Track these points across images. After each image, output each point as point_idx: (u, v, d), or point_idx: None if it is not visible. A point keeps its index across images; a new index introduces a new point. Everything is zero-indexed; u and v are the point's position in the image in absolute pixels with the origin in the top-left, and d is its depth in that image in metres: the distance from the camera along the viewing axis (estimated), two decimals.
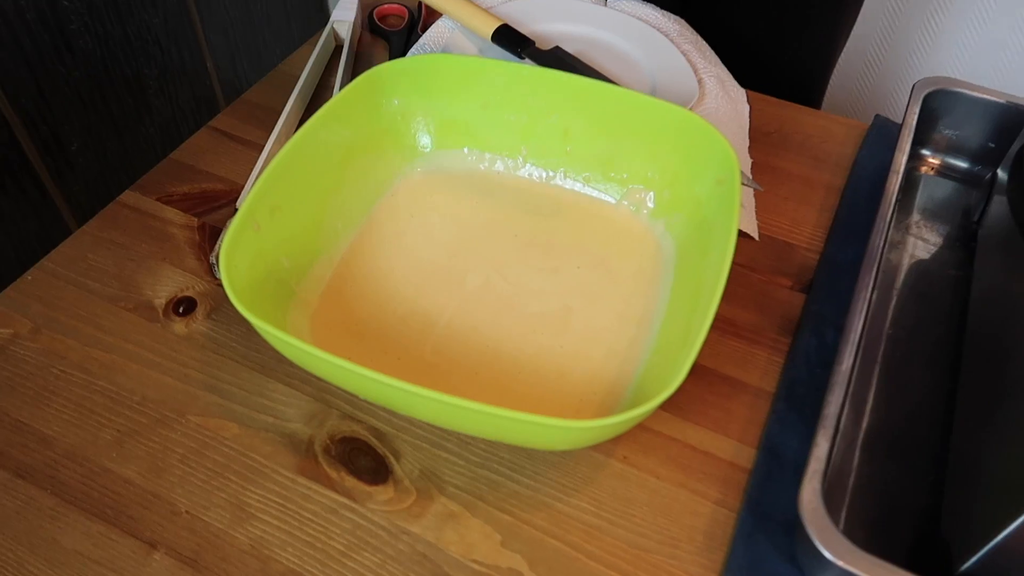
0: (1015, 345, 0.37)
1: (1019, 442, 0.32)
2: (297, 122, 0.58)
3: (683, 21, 0.64)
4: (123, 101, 1.09)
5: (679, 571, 0.37)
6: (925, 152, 0.56)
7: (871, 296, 0.42)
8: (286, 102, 0.59)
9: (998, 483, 0.32)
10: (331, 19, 0.66)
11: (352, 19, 0.65)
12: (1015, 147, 0.49)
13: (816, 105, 0.81)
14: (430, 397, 0.32)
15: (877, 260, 0.43)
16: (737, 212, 0.40)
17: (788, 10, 0.71)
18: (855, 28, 0.78)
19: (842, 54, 0.81)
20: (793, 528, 0.37)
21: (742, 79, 0.62)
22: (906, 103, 0.52)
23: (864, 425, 0.42)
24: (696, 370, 0.44)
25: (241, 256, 0.38)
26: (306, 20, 1.45)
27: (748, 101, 0.60)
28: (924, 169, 0.56)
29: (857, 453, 0.41)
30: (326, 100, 0.61)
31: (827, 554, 0.33)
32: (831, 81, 0.82)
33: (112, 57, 1.04)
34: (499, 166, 0.51)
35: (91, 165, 1.07)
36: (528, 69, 0.49)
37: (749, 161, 0.56)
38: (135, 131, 1.12)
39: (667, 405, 0.43)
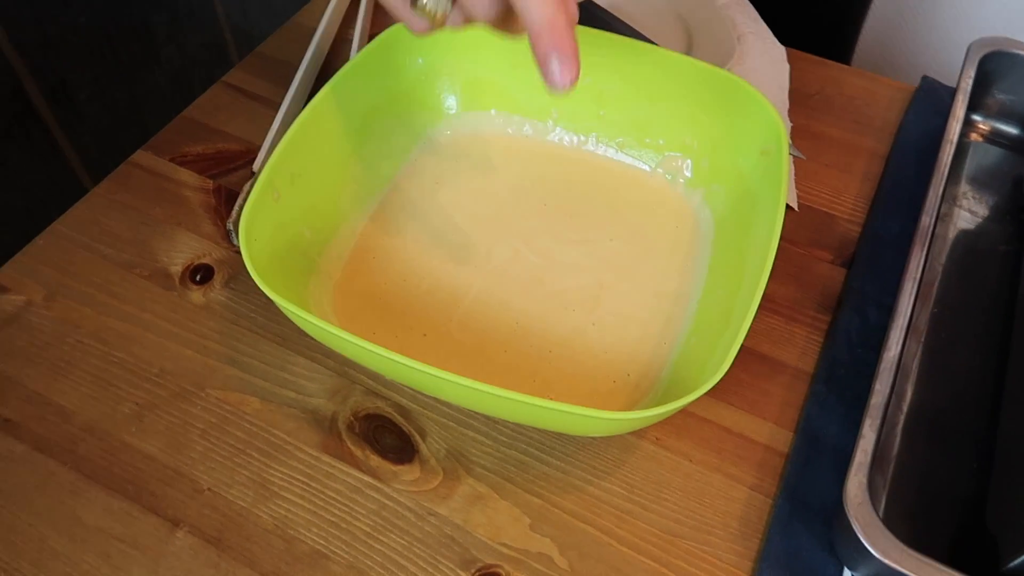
0: None
1: None
2: (314, 78, 0.56)
3: None
4: (132, 49, 1.05)
5: (712, 558, 0.36)
6: (976, 117, 0.53)
7: (920, 276, 0.40)
8: (302, 56, 0.56)
9: None
10: None
11: None
12: None
13: (847, 60, 0.78)
14: (456, 382, 0.31)
15: (928, 237, 0.41)
16: (785, 186, 0.37)
17: None
18: None
19: (878, 7, 0.77)
20: (832, 517, 0.36)
21: (783, 37, 0.58)
22: (961, 65, 0.49)
23: (906, 408, 0.40)
24: (735, 382, 0.43)
25: (261, 227, 0.37)
26: None
27: (787, 60, 0.57)
28: (974, 136, 0.53)
29: (898, 438, 0.40)
30: (345, 54, 0.58)
31: (872, 550, 0.31)
32: (868, 37, 0.78)
33: (120, 8, 1.01)
34: (528, 129, 0.49)
35: (101, 116, 1.04)
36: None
37: (789, 125, 0.53)
38: (145, 81, 1.09)
39: None
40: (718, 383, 0.32)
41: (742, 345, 0.33)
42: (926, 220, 0.41)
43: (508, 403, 0.31)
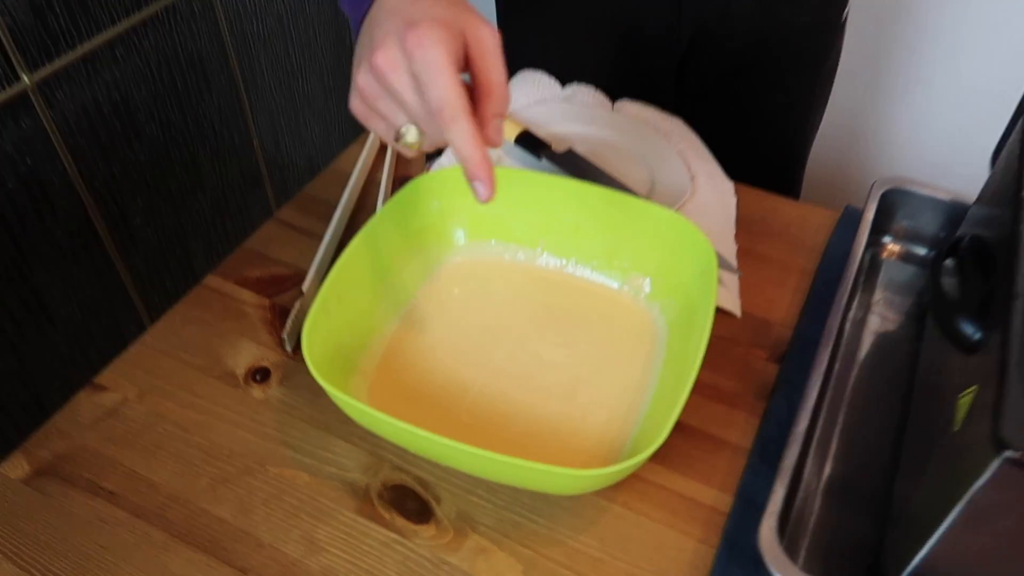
0: (943, 409, 0.46)
1: (932, 487, 0.40)
2: (350, 214, 0.69)
3: (679, 121, 0.75)
4: (180, 179, 1.21)
5: None
6: (886, 240, 0.65)
7: (830, 367, 0.51)
8: (340, 196, 0.69)
9: (914, 520, 0.41)
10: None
11: None
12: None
13: (796, 193, 0.92)
14: (468, 451, 0.42)
15: (834, 337, 0.52)
16: (715, 298, 0.49)
17: (763, 106, 0.82)
18: (829, 125, 0.88)
19: (818, 148, 0.91)
20: (760, 562, 0.46)
21: (729, 167, 0.71)
22: (872, 198, 0.62)
23: (825, 475, 0.51)
24: (685, 429, 0.53)
25: (316, 338, 0.48)
26: (344, 98, 1.57)
27: (736, 194, 0.70)
28: (886, 254, 0.65)
29: (818, 499, 0.49)
30: (374, 194, 0.71)
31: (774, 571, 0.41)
32: (812, 174, 0.92)
33: (173, 141, 1.17)
34: (520, 256, 0.61)
35: (151, 238, 1.19)
36: (545, 177, 0.59)
37: (734, 247, 0.65)
38: (190, 206, 1.24)
39: (660, 459, 0.52)
40: (675, 458, 0.43)
41: (695, 427, 0.43)
42: (833, 321, 0.53)
43: (502, 465, 0.42)
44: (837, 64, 0.86)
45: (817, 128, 0.91)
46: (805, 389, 0.49)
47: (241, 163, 1.33)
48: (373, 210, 0.68)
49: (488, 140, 0.44)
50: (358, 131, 0.80)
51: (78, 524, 0.49)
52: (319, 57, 1.42)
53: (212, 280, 0.64)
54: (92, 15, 0.98)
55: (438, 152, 0.70)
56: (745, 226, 0.68)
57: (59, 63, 0.96)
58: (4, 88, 0.91)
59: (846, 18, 0.81)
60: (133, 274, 1.17)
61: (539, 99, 0.75)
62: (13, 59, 0.91)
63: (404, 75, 0.42)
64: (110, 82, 1.04)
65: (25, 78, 0.92)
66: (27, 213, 0.99)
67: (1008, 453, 0.32)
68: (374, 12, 0.46)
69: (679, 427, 0.52)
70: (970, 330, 0.40)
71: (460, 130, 0.41)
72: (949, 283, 0.45)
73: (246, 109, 1.30)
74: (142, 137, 1.12)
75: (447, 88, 0.41)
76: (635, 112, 0.74)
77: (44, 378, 1.07)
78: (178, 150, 1.19)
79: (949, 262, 0.46)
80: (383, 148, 0.76)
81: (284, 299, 0.62)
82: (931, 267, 0.47)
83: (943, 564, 0.39)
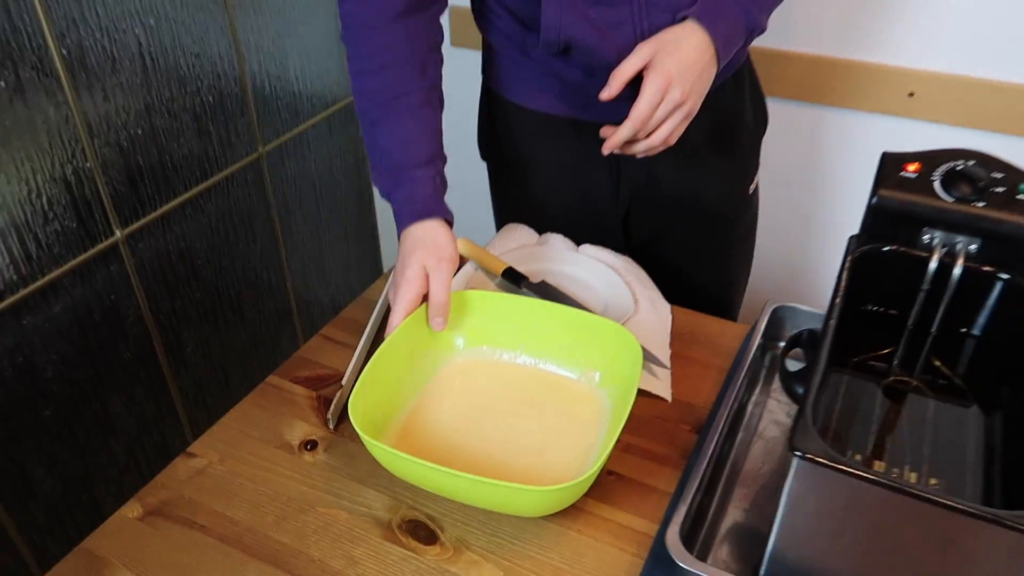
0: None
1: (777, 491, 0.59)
2: (376, 329, 0.90)
3: (628, 259, 0.98)
4: (226, 314, 1.44)
5: None
6: (781, 344, 0.86)
7: (732, 431, 0.70)
8: (369, 317, 0.91)
9: (769, 519, 0.59)
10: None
11: None
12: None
13: (733, 316, 1.14)
14: (466, 478, 0.61)
15: (724, 419, 0.72)
16: (637, 385, 0.69)
17: (694, 254, 1.06)
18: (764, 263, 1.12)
19: (758, 280, 1.15)
20: (673, 562, 0.63)
21: (676, 297, 0.93)
22: (758, 316, 0.83)
23: (725, 499, 0.69)
24: (625, 479, 0.72)
25: (357, 411, 0.68)
26: (363, 247, 1.83)
27: (672, 313, 0.92)
28: (777, 351, 0.85)
29: (723, 516, 0.68)
30: None
31: (678, 561, 0.59)
32: (755, 299, 1.15)
33: (223, 282, 1.41)
34: (505, 356, 0.82)
35: (199, 363, 1.40)
36: (524, 300, 0.81)
37: (668, 352, 0.86)
38: (232, 336, 1.46)
39: (607, 499, 0.70)
40: (618, 498, 0.62)
41: (633, 478, 0.61)
42: (723, 410, 0.72)
43: (488, 487, 0.61)
44: (755, 224, 1.10)
45: (747, 270, 1.14)
46: (704, 445, 0.68)
47: (276, 301, 1.56)
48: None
49: (432, 324, 0.75)
50: (374, 275, 1.03)
51: (179, 548, 0.67)
52: (344, 213, 1.69)
53: (273, 379, 0.85)
54: (171, 184, 1.25)
55: None
56: (679, 336, 0.89)
57: (144, 221, 1.21)
58: (102, 241, 1.15)
59: (755, 190, 1.06)
60: (182, 394, 1.37)
61: (520, 244, 0.99)
62: (111, 218, 1.16)
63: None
64: (179, 235, 1.29)
65: (118, 233, 1.17)
66: (106, 341, 1.20)
67: (796, 453, 0.52)
68: (399, 251, 0.80)
69: (622, 477, 0.71)
70: (799, 389, 0.61)
71: (399, 314, 0.75)
72: (791, 363, 0.65)
73: (282, 256, 1.55)
74: (199, 279, 1.35)
75: (401, 305, 0.76)
76: (593, 253, 0.98)
77: (103, 482, 1.25)
78: (226, 290, 1.42)
79: (796, 349, 0.67)
80: None
81: (327, 392, 0.83)
82: (781, 353, 0.68)
83: (788, 549, 0.57)
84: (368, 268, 1.88)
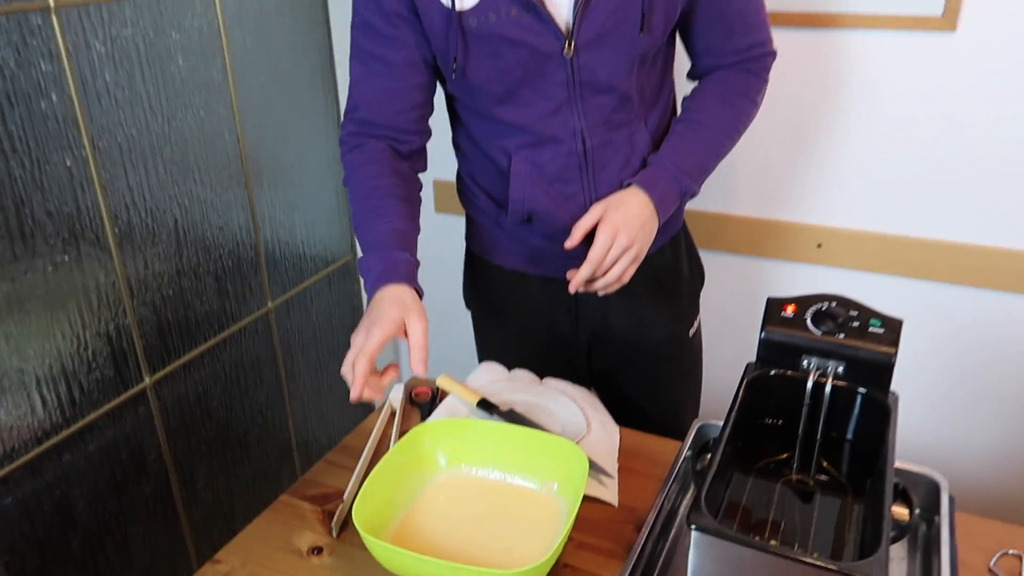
0: None
1: None
2: (372, 452, 1.07)
3: (584, 389, 1.16)
4: (235, 452, 1.59)
5: None
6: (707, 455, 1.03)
7: (666, 529, 0.86)
8: (365, 443, 1.08)
9: None
10: (387, 397, 1.18)
11: (400, 397, 1.17)
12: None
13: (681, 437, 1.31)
14: (451, 566, 0.76)
15: (654, 518, 0.88)
16: (582, 493, 0.86)
17: (648, 386, 1.25)
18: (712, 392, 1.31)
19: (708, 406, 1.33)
20: None
21: (629, 420, 1.11)
22: (694, 428, 1.01)
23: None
24: (580, 571, 0.87)
25: (359, 517, 0.84)
26: None
27: (620, 433, 1.09)
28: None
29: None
30: (388, 436, 1.10)
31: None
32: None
33: (231, 424, 1.57)
34: (479, 472, 0.99)
35: (208, 497, 1.54)
36: (496, 425, 0.99)
37: (616, 465, 1.03)
38: (240, 473, 1.61)
39: None
40: None
41: (583, 568, 0.77)
42: (652, 513, 0.89)
43: (470, 572, 0.76)
44: (698, 361, 1.30)
45: (695, 398, 1.33)
46: (637, 540, 0.84)
47: (278, 440, 1.72)
48: (387, 451, 1.07)
49: (414, 367, 0.89)
50: (366, 414, 1.21)
51: None
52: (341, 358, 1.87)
53: (284, 497, 1.01)
54: (193, 336, 1.44)
55: (429, 411, 1.11)
56: (625, 452, 1.06)
57: (169, 368, 1.39)
58: (133, 387, 1.33)
59: (695, 333, 1.27)
60: (191, 527, 1.50)
61: (493, 379, 1.18)
62: (142, 367, 1.34)
63: (360, 334, 0.88)
64: (198, 380, 1.47)
65: (147, 379, 1.35)
66: (130, 478, 1.35)
67: (692, 527, 0.68)
68: (369, 307, 0.93)
69: (576, 569, 0.87)
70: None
71: (371, 351, 0.88)
72: (700, 465, 0.82)
73: (285, 398, 1.72)
74: (212, 420, 1.52)
75: (373, 343, 0.88)
76: (555, 384, 1.16)
77: None
78: (235, 429, 1.58)
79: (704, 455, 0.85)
80: (392, 413, 1.16)
81: (330, 507, 0.98)
82: (692, 456, 0.85)
83: None
84: (362, 409, 2.05)
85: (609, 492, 0.98)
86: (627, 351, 1.23)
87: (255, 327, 1.60)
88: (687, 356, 1.28)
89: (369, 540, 0.81)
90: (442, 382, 1.13)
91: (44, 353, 1.18)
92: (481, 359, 1.31)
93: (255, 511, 0.99)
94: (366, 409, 2.03)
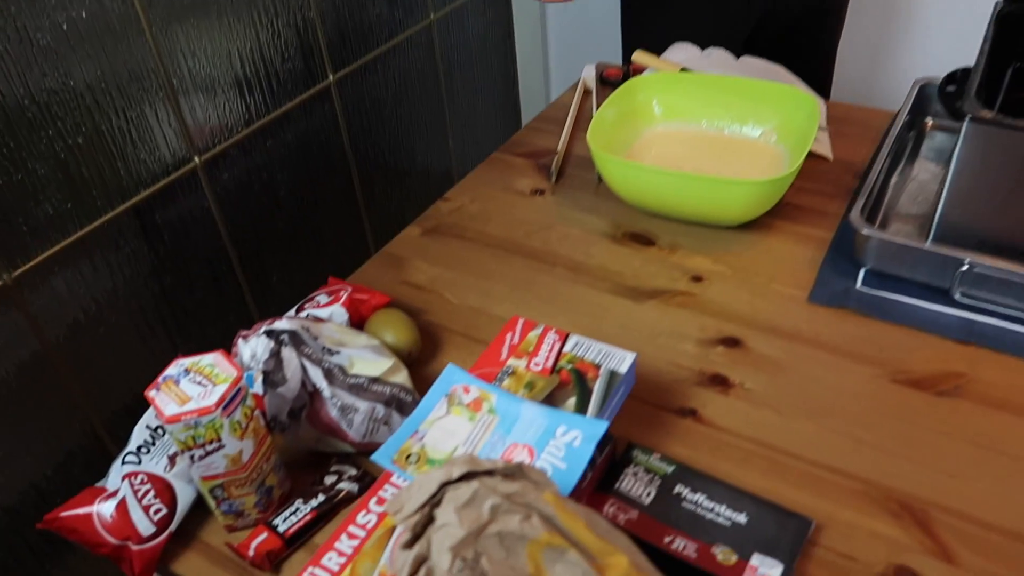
0: None
1: None
2: (574, 119, 1.08)
3: (781, 66, 1.12)
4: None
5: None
6: (928, 119, 1.00)
7: (884, 163, 0.86)
8: (565, 115, 1.10)
9: None
10: (583, 74, 1.18)
11: (594, 74, 1.16)
12: None
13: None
14: (689, 176, 0.79)
15: (886, 154, 0.87)
16: (814, 133, 0.85)
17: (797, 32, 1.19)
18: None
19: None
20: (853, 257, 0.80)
21: None
22: (908, 90, 0.97)
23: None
24: (803, 208, 0.88)
25: (595, 142, 0.87)
26: (505, 115, 1.99)
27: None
28: (929, 127, 0.99)
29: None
30: (586, 118, 1.11)
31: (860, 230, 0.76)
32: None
33: (403, 130, 1.62)
34: (698, 125, 0.99)
35: (384, 202, 1.62)
36: (713, 76, 0.97)
37: (827, 124, 1.02)
38: (409, 185, 1.68)
39: (788, 218, 0.87)
40: (802, 218, 0.79)
41: (803, 205, 0.79)
42: (885, 148, 0.88)
43: (706, 183, 0.79)
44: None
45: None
46: (870, 165, 0.84)
47: (440, 157, 1.77)
48: (590, 115, 1.08)
49: None
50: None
51: (456, 249, 0.88)
52: (493, 80, 1.87)
53: (496, 155, 1.05)
54: (367, 41, 1.45)
55: None
56: (834, 120, 1.04)
57: (348, 69, 1.42)
58: (319, 82, 1.37)
59: None
60: (371, 227, 1.60)
61: (687, 57, 1.15)
62: (326, 63, 1.37)
63: None
64: (372, 84, 1.50)
65: (331, 76, 1.39)
66: (320, 171, 1.42)
67: (968, 114, 0.67)
68: None
69: (799, 206, 0.87)
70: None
71: None
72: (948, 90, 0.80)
73: (446, 115, 1.75)
74: (384, 130, 1.57)
75: None
76: (751, 61, 1.13)
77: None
78: (404, 139, 1.63)
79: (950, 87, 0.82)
80: (587, 92, 1.17)
81: (545, 160, 1.02)
82: (941, 82, 0.83)
83: (954, 212, 0.73)
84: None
85: (823, 146, 0.98)
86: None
87: (420, 38, 1.60)
88: None
89: (604, 157, 0.83)
90: (638, 56, 1.11)
91: (246, 38, 1.22)
92: (636, 46, 1.25)
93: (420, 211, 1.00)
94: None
